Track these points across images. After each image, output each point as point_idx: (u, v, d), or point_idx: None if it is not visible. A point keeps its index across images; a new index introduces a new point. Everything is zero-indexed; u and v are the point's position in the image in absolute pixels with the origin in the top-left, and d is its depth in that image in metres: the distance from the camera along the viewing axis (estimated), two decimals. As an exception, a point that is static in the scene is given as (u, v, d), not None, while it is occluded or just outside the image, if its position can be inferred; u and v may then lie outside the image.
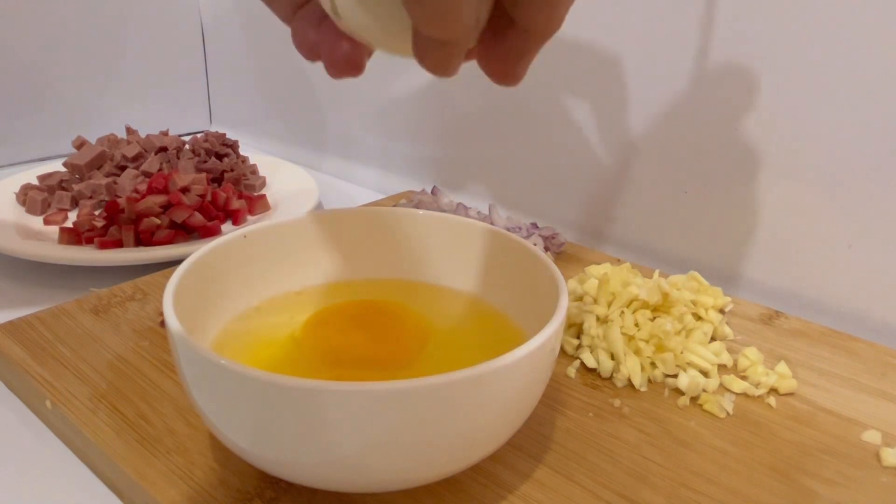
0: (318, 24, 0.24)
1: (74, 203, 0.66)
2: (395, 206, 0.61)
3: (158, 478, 0.31)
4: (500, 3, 0.22)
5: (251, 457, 0.28)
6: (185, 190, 0.61)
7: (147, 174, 0.67)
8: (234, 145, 0.77)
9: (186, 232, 0.59)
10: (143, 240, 0.57)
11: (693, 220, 0.56)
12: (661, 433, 0.36)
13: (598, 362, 0.40)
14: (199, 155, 0.72)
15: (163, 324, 0.28)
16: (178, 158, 0.71)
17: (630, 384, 0.40)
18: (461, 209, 0.59)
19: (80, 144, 0.72)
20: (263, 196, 0.68)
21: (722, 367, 0.41)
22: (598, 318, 0.42)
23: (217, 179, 0.71)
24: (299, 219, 0.40)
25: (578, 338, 0.43)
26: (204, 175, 0.65)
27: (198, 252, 0.34)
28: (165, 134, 0.76)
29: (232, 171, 0.72)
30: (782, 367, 0.41)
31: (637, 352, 0.40)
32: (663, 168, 0.57)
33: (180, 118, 0.98)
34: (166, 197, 0.59)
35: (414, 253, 0.41)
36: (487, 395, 0.27)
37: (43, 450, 0.36)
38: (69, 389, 0.37)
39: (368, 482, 0.28)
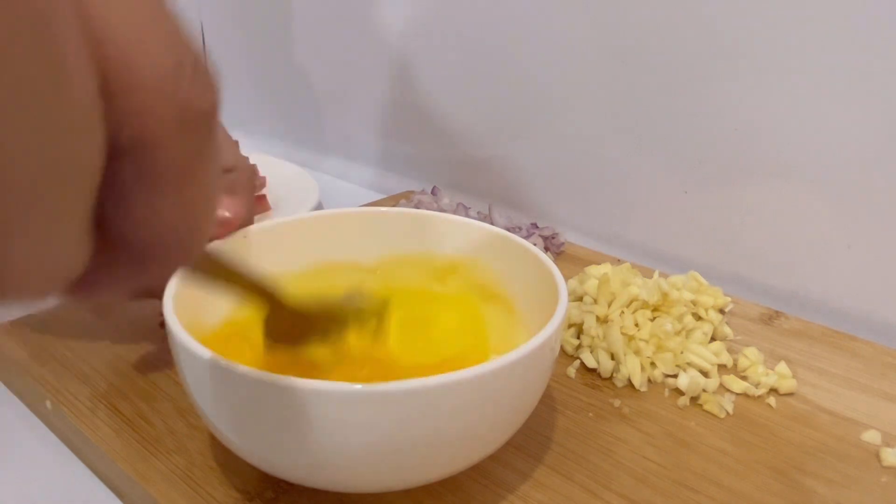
0: None
1: (74, 203, 0.66)
2: (394, 206, 0.61)
3: (158, 478, 0.31)
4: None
5: (251, 457, 0.28)
6: (185, 190, 0.61)
7: (147, 174, 0.67)
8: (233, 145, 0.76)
9: (186, 232, 0.59)
10: (143, 240, 0.57)
11: (693, 220, 0.56)
12: (661, 433, 0.36)
13: (598, 362, 0.40)
14: (199, 155, 0.72)
15: (163, 324, 0.28)
16: (178, 158, 0.71)
17: (630, 384, 0.40)
18: (461, 209, 0.59)
19: (80, 144, 0.72)
20: (263, 196, 0.68)
21: (722, 367, 0.41)
22: (598, 318, 0.42)
23: (217, 179, 0.71)
24: (299, 219, 0.40)
25: (578, 338, 0.43)
26: (204, 175, 0.65)
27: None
28: (165, 134, 0.75)
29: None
30: (782, 367, 0.41)
31: (637, 352, 0.40)
32: (663, 168, 0.57)
33: (180, 118, 0.98)
34: (166, 197, 0.59)
35: (413, 253, 0.41)
36: (487, 395, 0.27)
37: (43, 450, 0.36)
38: (69, 389, 0.37)
39: (368, 482, 0.28)
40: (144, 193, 0.14)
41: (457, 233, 0.40)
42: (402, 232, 0.41)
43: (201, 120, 0.14)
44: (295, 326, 0.28)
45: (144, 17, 0.13)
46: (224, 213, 0.34)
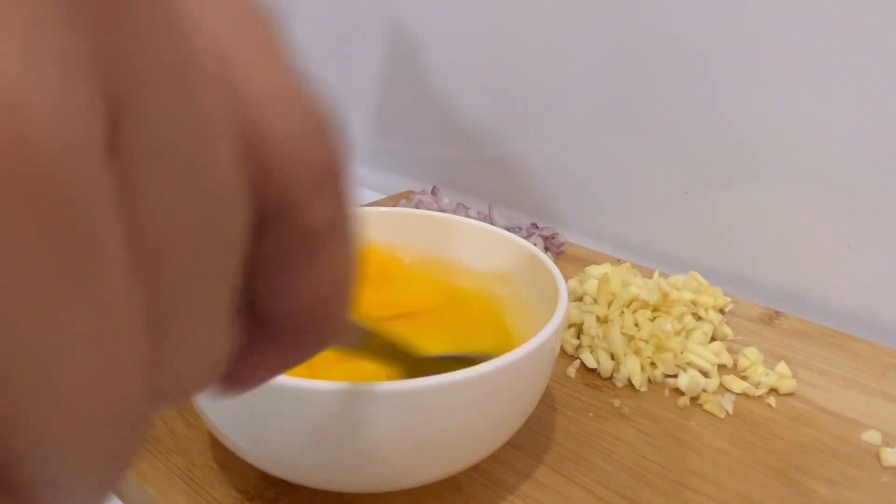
0: None
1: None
2: (394, 206, 0.61)
3: (158, 478, 0.31)
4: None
5: (251, 457, 0.28)
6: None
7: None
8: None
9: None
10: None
11: (693, 220, 0.56)
12: (661, 433, 0.36)
13: (598, 362, 0.40)
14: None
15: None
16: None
17: (630, 384, 0.40)
18: (461, 209, 0.59)
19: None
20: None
21: (722, 367, 0.41)
22: (598, 318, 0.42)
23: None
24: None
25: (578, 338, 0.43)
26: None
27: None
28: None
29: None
30: (782, 367, 0.41)
31: (637, 352, 0.40)
32: (663, 168, 0.57)
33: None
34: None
35: (413, 253, 0.41)
36: (487, 395, 0.27)
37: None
38: (69, 389, 0.37)
39: (368, 482, 0.28)
40: (290, 265, 0.13)
41: (456, 232, 0.40)
42: (401, 232, 0.41)
43: (335, 176, 0.13)
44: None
45: (278, 74, 0.12)
46: None
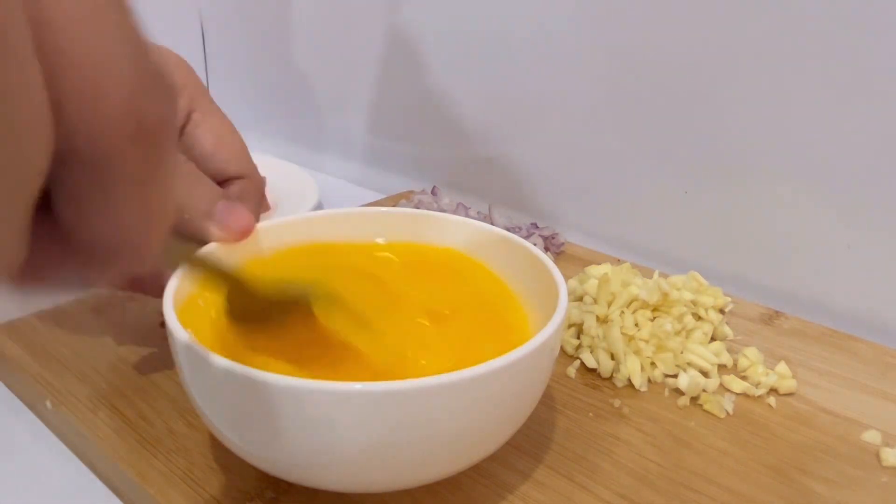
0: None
1: (74, 203, 0.66)
2: (394, 206, 0.61)
3: (158, 478, 0.31)
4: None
5: (251, 457, 0.28)
6: (185, 190, 0.60)
7: (147, 174, 0.67)
8: (234, 145, 0.76)
9: (186, 232, 0.59)
10: (143, 240, 0.57)
11: (693, 220, 0.56)
12: (661, 433, 0.36)
13: (598, 362, 0.40)
14: (199, 155, 0.72)
15: (163, 324, 0.28)
16: (178, 158, 0.71)
17: (630, 384, 0.40)
18: (461, 209, 0.59)
19: (80, 144, 0.72)
20: (263, 196, 0.68)
21: (722, 367, 0.41)
22: (598, 318, 0.42)
23: (217, 179, 0.70)
24: (299, 219, 0.40)
25: (578, 338, 0.43)
26: (204, 175, 0.65)
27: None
28: (165, 134, 0.75)
29: (232, 171, 0.71)
30: (782, 367, 0.41)
31: (637, 352, 0.40)
32: (663, 168, 0.57)
33: (180, 118, 0.98)
34: (166, 197, 0.59)
35: (413, 253, 0.41)
36: (487, 396, 0.27)
37: (43, 450, 0.36)
38: (69, 389, 0.37)
39: (368, 482, 0.28)
40: (96, 199, 0.14)
41: (457, 232, 0.40)
42: (401, 231, 0.41)
43: (157, 131, 0.14)
44: (255, 311, 0.30)
45: (108, 29, 0.13)
46: (233, 221, 0.35)
